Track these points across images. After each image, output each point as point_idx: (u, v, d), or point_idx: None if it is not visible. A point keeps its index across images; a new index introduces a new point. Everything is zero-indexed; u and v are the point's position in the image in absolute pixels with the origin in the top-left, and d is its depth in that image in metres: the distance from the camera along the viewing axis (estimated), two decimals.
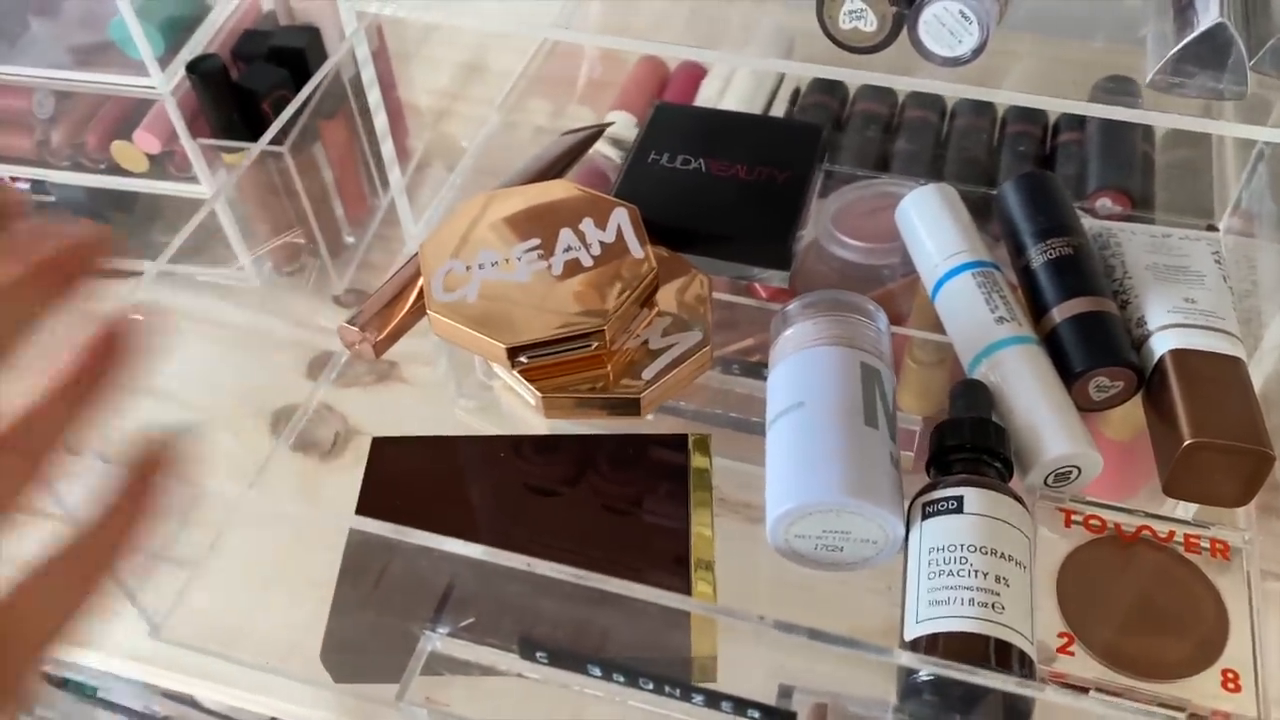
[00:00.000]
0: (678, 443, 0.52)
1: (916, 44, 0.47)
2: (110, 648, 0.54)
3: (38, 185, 0.75)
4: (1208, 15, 0.45)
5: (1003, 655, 0.41)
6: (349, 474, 0.62)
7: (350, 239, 0.75)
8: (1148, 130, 0.70)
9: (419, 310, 0.56)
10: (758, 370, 0.58)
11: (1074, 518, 0.48)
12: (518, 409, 0.55)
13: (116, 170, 0.72)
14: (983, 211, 0.61)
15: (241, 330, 0.71)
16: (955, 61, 0.47)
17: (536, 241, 0.54)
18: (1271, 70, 0.45)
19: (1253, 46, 0.45)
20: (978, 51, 0.46)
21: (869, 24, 0.47)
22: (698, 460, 0.52)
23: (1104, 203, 0.67)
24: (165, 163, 0.71)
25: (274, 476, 0.61)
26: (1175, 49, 0.44)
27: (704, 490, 0.51)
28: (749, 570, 0.51)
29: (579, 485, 0.52)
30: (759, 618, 0.38)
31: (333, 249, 0.73)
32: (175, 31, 0.68)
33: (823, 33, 0.48)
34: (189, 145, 0.69)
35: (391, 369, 0.68)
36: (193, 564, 0.52)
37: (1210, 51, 0.44)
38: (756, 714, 0.40)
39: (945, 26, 0.46)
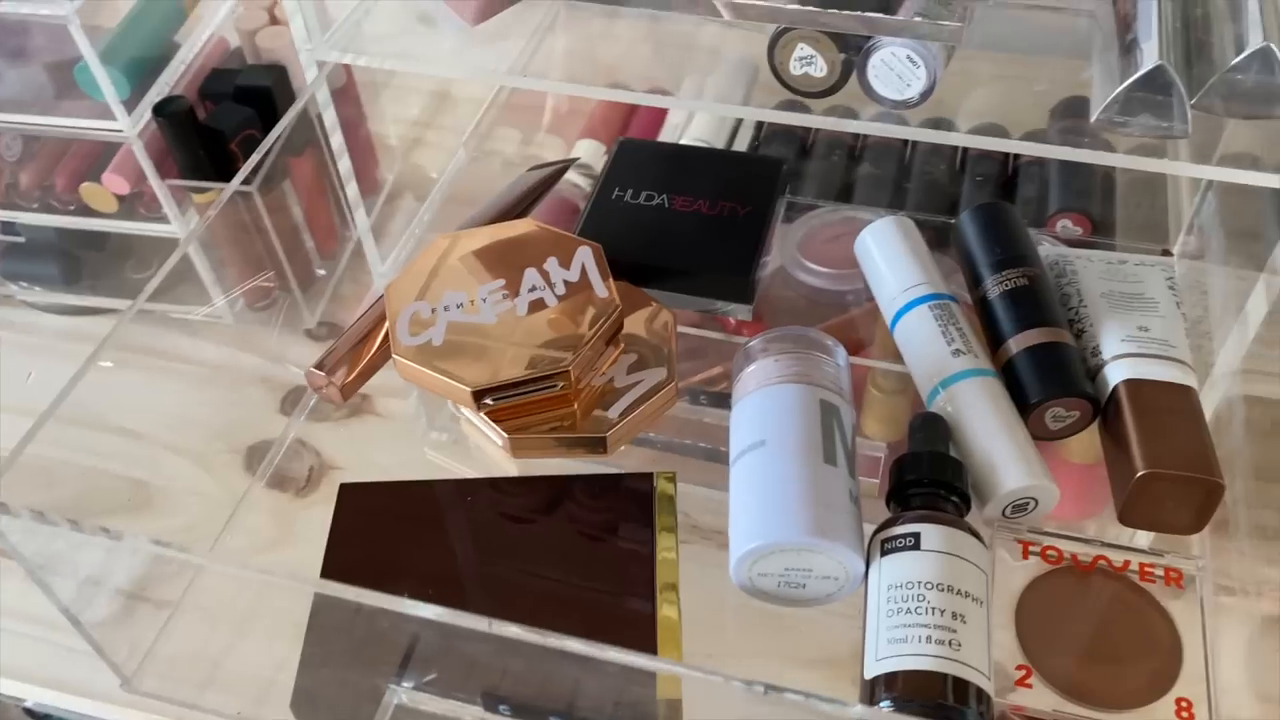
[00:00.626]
0: (644, 478, 0.53)
1: (866, 88, 0.48)
2: (86, 692, 0.54)
3: (7, 226, 0.75)
4: (1149, 56, 0.45)
5: (960, 693, 0.42)
6: (323, 509, 0.62)
7: (321, 271, 0.75)
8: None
9: (386, 352, 0.56)
10: (724, 400, 0.59)
11: (1031, 549, 0.49)
12: (486, 448, 0.56)
13: (86, 211, 0.72)
14: (946, 238, 0.62)
15: (213, 366, 0.71)
16: (904, 105, 0.47)
17: (501, 282, 0.54)
18: (1212, 109, 0.46)
19: (1194, 85, 0.46)
20: (925, 95, 0.47)
21: (819, 70, 0.48)
22: (663, 487, 0.53)
23: (1065, 224, 0.68)
24: (135, 203, 0.72)
25: (248, 516, 0.62)
26: (1117, 91, 0.45)
27: (669, 516, 0.52)
28: (719, 596, 0.52)
29: (546, 515, 0.53)
30: (718, 675, 0.39)
31: (304, 282, 0.74)
32: (141, 73, 0.68)
33: (775, 78, 0.49)
34: (158, 186, 0.70)
35: (364, 402, 0.68)
36: (165, 611, 0.53)
37: (1151, 93, 0.45)
38: None
39: (893, 71, 0.47)
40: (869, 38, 0.46)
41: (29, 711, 0.81)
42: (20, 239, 0.76)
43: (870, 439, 0.59)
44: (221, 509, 0.62)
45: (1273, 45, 0.44)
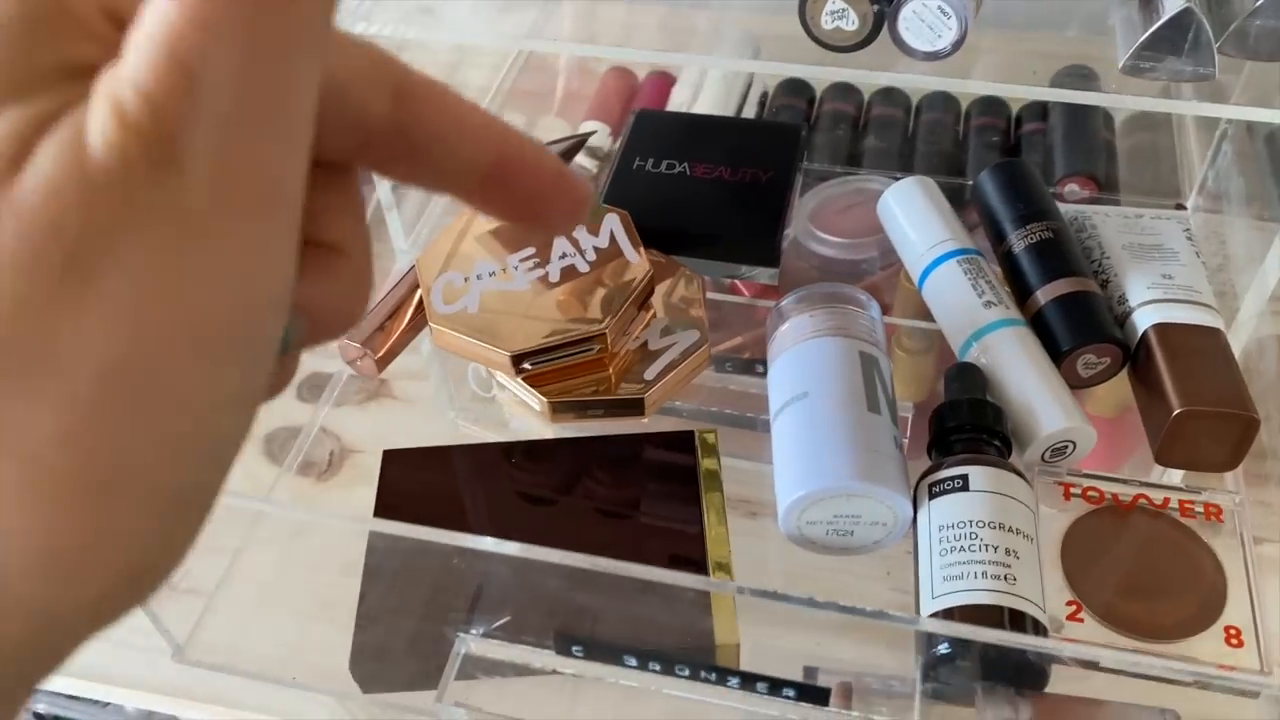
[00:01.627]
0: (685, 441, 0.53)
1: (897, 40, 0.48)
2: (131, 681, 0.54)
3: None
4: (1172, 1, 0.47)
5: (1018, 624, 0.42)
6: (347, 492, 0.62)
7: None
8: (1108, 117, 0.73)
9: (417, 325, 0.57)
10: (751, 366, 0.59)
11: (1073, 490, 0.50)
12: (521, 415, 0.56)
13: None
14: (955, 201, 0.63)
15: None
16: (935, 56, 0.48)
17: (531, 250, 0.55)
18: (1236, 52, 0.47)
19: (1217, 29, 0.47)
20: (957, 45, 0.48)
21: (850, 23, 0.48)
22: (708, 463, 0.53)
23: (1072, 188, 0.69)
24: None
25: (277, 499, 0.61)
26: (1145, 34, 0.46)
27: (715, 492, 0.52)
28: (753, 563, 0.52)
29: (594, 494, 0.53)
30: (805, 597, 0.39)
31: None
32: None
33: (805, 34, 0.49)
34: None
35: (381, 386, 0.68)
36: (211, 588, 0.52)
37: (1178, 36, 0.46)
38: (791, 693, 0.41)
39: (924, 22, 0.47)
40: None
41: (38, 715, 0.79)
42: None
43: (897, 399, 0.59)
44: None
45: None
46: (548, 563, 0.37)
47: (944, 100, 0.77)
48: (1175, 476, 0.53)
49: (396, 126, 0.22)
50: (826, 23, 0.48)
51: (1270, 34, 0.46)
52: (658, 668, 0.40)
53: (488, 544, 0.38)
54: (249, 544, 0.53)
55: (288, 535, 0.57)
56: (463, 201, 0.24)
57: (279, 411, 0.66)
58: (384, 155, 0.22)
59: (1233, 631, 0.45)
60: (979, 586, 0.43)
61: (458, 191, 0.24)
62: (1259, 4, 0.45)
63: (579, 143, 0.65)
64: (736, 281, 0.64)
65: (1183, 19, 0.45)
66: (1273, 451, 0.53)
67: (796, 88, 0.79)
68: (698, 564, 0.49)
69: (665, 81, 0.82)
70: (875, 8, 0.48)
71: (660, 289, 0.57)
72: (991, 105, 0.76)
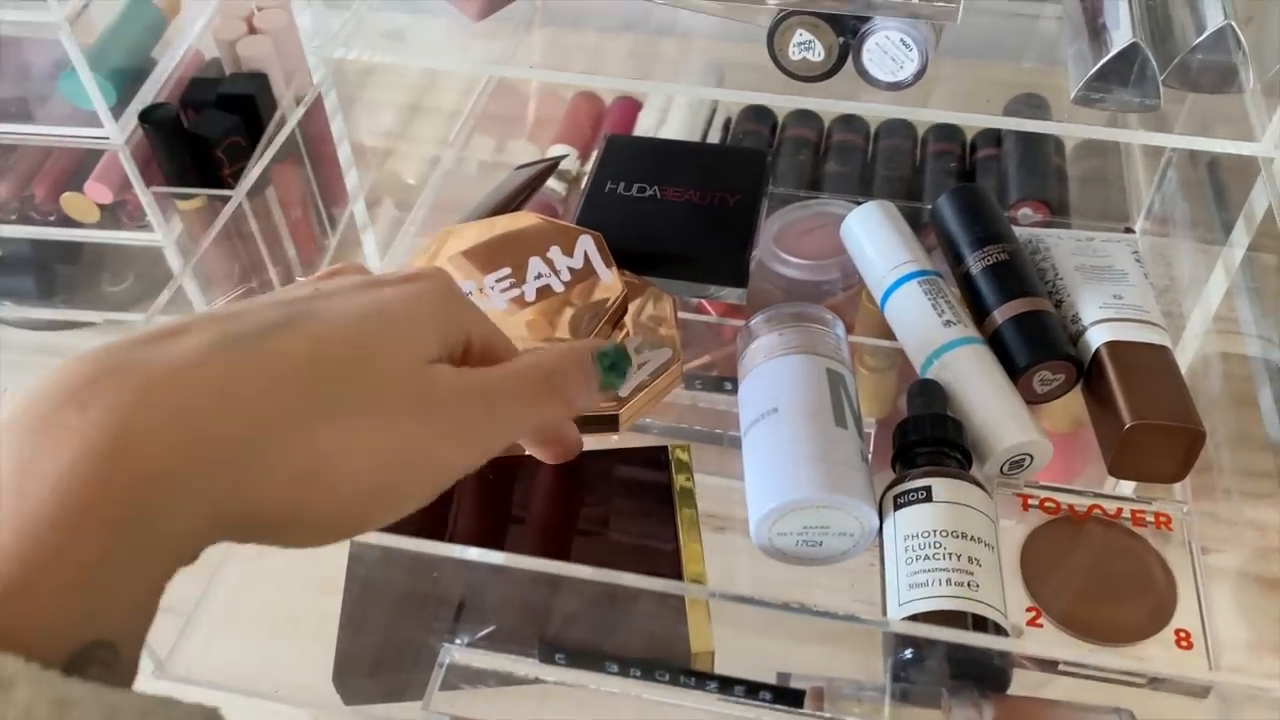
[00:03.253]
0: (659, 457, 0.55)
1: (861, 71, 0.50)
2: None
3: None
4: (1120, 36, 0.49)
5: (980, 629, 0.44)
6: None
7: (302, 279, 0.76)
8: (1059, 145, 0.76)
9: None
10: (720, 384, 0.61)
11: (1030, 501, 0.52)
12: None
13: (67, 222, 0.72)
14: (913, 224, 0.65)
15: None
16: (898, 86, 0.50)
17: (507, 270, 0.56)
18: (1179, 84, 0.50)
19: (1162, 63, 0.50)
20: (919, 75, 0.50)
21: (816, 54, 0.50)
22: (681, 480, 0.54)
23: (1025, 212, 0.72)
24: (118, 212, 0.72)
25: None
26: (1095, 68, 0.48)
27: (690, 509, 0.54)
28: (724, 578, 0.54)
29: (570, 512, 0.53)
30: (779, 602, 0.41)
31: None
32: (124, 83, 0.69)
33: (774, 64, 0.51)
34: (143, 194, 0.70)
35: None
36: (190, 606, 0.53)
37: (1126, 69, 0.49)
38: (768, 696, 0.42)
39: (887, 54, 0.50)
40: (864, 22, 0.49)
41: None
42: None
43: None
44: None
45: (1232, 23, 0.48)
46: (527, 571, 0.38)
47: (902, 127, 0.79)
48: (1127, 488, 0.55)
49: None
50: (794, 54, 0.50)
51: (1210, 68, 0.49)
52: (638, 673, 0.42)
53: (471, 554, 0.39)
54: (228, 560, 0.53)
55: (267, 552, 0.57)
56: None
57: None
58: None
59: (1182, 634, 0.47)
60: (943, 593, 0.45)
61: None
62: (1200, 40, 0.48)
63: (550, 167, 0.67)
64: (704, 301, 0.65)
65: (1130, 53, 0.48)
66: (1218, 465, 0.56)
67: (759, 114, 0.81)
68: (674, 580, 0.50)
69: (632, 106, 0.84)
70: (840, 40, 0.50)
71: (632, 308, 0.58)
72: (948, 132, 0.78)
